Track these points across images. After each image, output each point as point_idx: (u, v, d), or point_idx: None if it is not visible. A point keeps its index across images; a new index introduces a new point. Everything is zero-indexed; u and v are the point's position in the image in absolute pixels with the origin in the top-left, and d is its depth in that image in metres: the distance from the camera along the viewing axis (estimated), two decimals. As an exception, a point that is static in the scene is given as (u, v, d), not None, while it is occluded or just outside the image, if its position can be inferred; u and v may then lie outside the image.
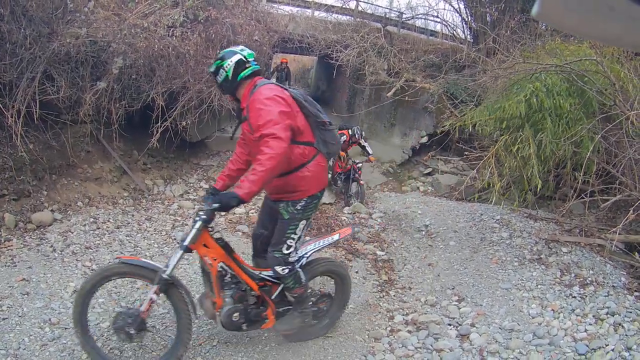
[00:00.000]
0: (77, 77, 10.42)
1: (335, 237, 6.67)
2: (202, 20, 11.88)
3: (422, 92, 15.82)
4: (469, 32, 20.16)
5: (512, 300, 8.12)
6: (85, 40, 10.23)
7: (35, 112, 9.52)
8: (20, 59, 9.55)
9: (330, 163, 14.01)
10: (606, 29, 1.21)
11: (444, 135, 12.99)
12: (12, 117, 9.23)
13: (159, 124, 11.06)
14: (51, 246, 8.91)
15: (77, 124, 10.74)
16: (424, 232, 11.10)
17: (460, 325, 7.63)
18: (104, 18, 10.83)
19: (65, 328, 6.68)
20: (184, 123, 11.40)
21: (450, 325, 7.66)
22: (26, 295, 7.32)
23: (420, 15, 22.10)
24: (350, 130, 14.42)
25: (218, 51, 11.80)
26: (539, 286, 8.38)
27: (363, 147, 14.82)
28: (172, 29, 11.41)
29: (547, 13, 1.19)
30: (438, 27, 22.00)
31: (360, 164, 14.39)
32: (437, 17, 21.25)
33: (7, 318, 6.76)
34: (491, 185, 9.92)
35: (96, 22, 10.65)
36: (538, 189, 9.53)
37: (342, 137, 13.95)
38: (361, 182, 14.00)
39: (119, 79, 10.76)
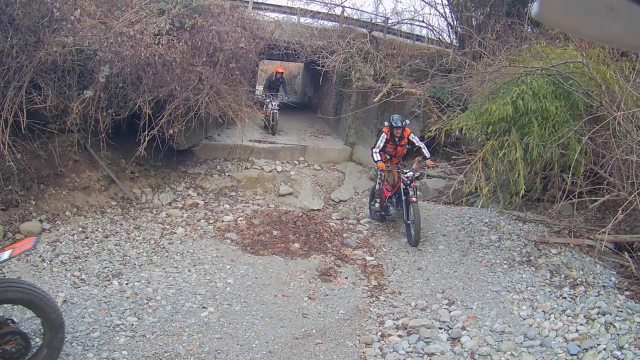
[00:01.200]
0: (64, 86, 10.37)
1: (5, 254, 5.06)
2: (188, 28, 11.86)
3: (408, 96, 15.84)
4: (454, 37, 20.17)
5: (503, 302, 8.14)
6: (71, 49, 10.20)
7: (23, 121, 9.49)
8: (6, 68, 9.51)
9: (377, 186, 12.06)
10: (606, 29, 1.21)
11: (431, 139, 12.98)
12: (-1, 126, 9.21)
13: (146, 132, 11.00)
14: (40, 256, 8.87)
15: (65, 133, 10.68)
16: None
17: (451, 328, 7.64)
18: (90, 26, 10.78)
19: (55, 338, 6.65)
20: (171, 131, 11.33)
21: (441, 329, 7.66)
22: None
23: (406, 20, 22.04)
24: (387, 123, 11.76)
25: (204, 58, 11.85)
26: (529, 288, 8.42)
27: (416, 147, 11.68)
28: (158, 37, 11.38)
29: (547, 13, 1.20)
30: (424, 32, 22.04)
31: (411, 173, 11.26)
32: (423, 21, 21.22)
33: (-5, 330, 6.72)
34: (479, 189, 9.95)
35: (82, 31, 10.60)
36: (521, 194, 9.56)
37: (382, 137, 11.66)
38: (413, 199, 10.77)
39: (105, 87, 10.71)
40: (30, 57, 9.74)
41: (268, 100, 18.16)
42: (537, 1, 1.17)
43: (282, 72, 19.72)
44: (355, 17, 20.88)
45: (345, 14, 19.98)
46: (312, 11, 19.38)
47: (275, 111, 17.78)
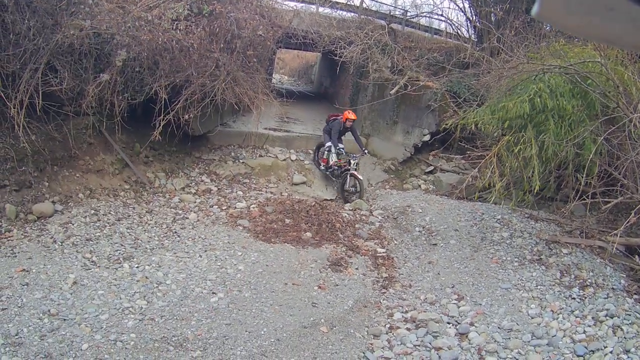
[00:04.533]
0: (80, 69, 10.41)
1: None
2: (206, 14, 11.85)
3: (425, 90, 15.77)
4: (473, 31, 20.08)
5: (512, 300, 8.14)
6: (89, 32, 10.22)
7: (38, 103, 9.53)
8: (23, 50, 9.55)
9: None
10: (606, 30, 1.21)
11: (446, 133, 12.94)
12: (14, 108, 9.26)
13: (162, 117, 11.03)
14: (51, 237, 8.95)
15: (80, 116, 10.72)
16: (424, 230, 11.07)
17: (459, 324, 7.67)
18: (108, 10, 10.79)
19: (64, 319, 6.74)
20: (186, 116, 11.35)
21: (449, 323, 7.70)
22: (26, 286, 7.35)
23: (424, 14, 21.97)
24: None
25: (221, 45, 11.83)
26: (539, 287, 8.41)
27: None
28: (176, 23, 11.37)
29: (547, 13, 1.20)
30: (442, 26, 21.95)
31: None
32: (442, 15, 21.15)
33: (6, 309, 6.79)
34: (492, 185, 9.92)
35: (100, 14, 10.62)
36: (535, 191, 9.52)
37: None
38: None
39: (122, 71, 10.74)
40: (47, 39, 9.77)
41: (339, 152, 14.25)
42: (537, 1, 1.17)
43: (354, 120, 14.71)
44: (374, 8, 20.83)
45: (364, 5, 19.94)
46: (331, 1, 19.32)
47: (354, 173, 13.73)
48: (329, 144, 14.25)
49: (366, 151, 15.13)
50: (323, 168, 14.56)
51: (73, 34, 9.90)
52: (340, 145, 14.29)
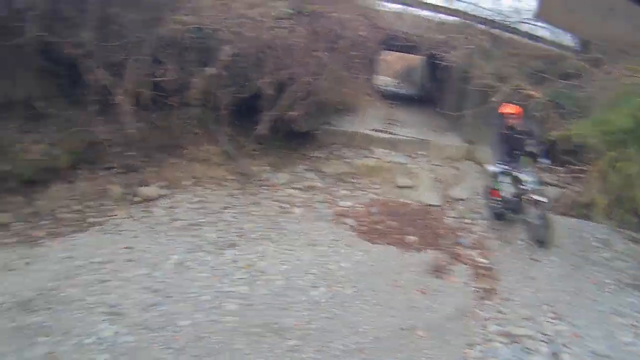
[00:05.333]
0: (184, 62, 10.78)
1: None
2: (308, 14, 11.97)
3: (528, 99, 15.50)
4: (576, 40, 19.69)
5: (607, 324, 7.96)
6: (191, 27, 10.52)
7: (144, 93, 9.98)
8: (127, 42, 9.97)
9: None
10: (606, 29, 1.22)
11: (549, 145, 12.70)
12: (121, 96, 9.63)
13: (267, 112, 11.23)
14: (156, 220, 9.36)
15: (186, 107, 11.06)
16: (525, 244, 10.87)
17: (553, 342, 7.52)
18: (210, 6, 11.03)
19: (166, 296, 7.10)
20: (291, 113, 11.53)
21: (543, 342, 7.55)
22: (129, 262, 7.79)
23: (526, 19, 21.63)
24: None
25: (324, 44, 11.95)
26: (636, 313, 8.21)
27: None
28: (278, 21, 11.54)
29: (547, 13, 1.21)
30: (544, 33, 21.54)
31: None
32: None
33: (110, 281, 7.24)
34: (595, 202, 9.68)
35: (202, 10, 10.88)
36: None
37: None
38: None
39: (227, 66, 10.99)
40: (150, 32, 10.23)
41: (511, 173, 10.41)
42: (538, 1, 1.17)
43: (516, 114, 10.68)
44: (475, 13, 20.64)
45: (465, 10, 19.78)
46: (432, 4, 19.24)
47: (532, 196, 9.90)
48: (492, 168, 10.71)
49: (544, 160, 10.39)
50: (496, 205, 11.20)
51: (175, 28, 10.21)
52: (530, 175, 10.11)
